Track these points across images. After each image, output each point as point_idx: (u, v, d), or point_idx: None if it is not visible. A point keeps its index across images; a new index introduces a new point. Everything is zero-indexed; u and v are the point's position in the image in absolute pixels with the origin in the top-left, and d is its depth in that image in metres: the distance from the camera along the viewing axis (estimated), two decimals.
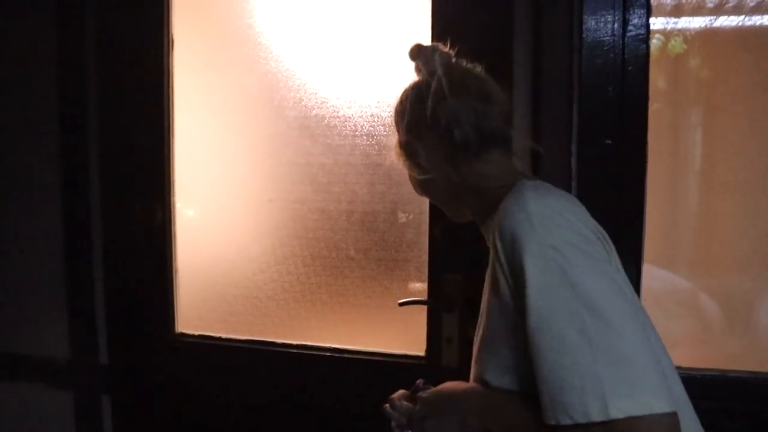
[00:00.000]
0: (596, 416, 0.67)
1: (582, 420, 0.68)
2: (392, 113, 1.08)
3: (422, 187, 1.06)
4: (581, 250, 0.75)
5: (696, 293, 1.53)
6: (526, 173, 0.98)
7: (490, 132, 0.96)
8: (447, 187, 1.01)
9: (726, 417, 1.42)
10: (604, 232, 0.83)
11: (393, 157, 1.08)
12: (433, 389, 0.97)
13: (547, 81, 1.45)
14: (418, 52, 1.04)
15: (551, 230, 0.75)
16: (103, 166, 1.76)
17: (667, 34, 1.48)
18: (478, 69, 1.03)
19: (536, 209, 0.77)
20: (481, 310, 0.91)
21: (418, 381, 1.03)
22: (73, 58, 1.77)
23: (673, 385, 0.81)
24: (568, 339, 0.71)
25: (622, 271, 0.85)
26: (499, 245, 0.80)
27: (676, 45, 1.49)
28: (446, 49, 1.05)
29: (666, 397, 0.68)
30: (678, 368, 1.40)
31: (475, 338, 0.94)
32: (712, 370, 1.45)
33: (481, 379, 0.87)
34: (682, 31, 1.49)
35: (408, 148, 1.02)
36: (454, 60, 1.04)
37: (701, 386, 1.44)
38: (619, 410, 0.67)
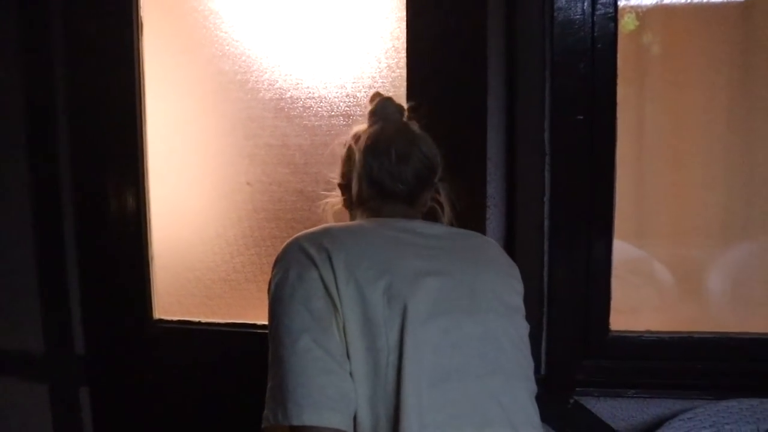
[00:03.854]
0: (264, 423, 0.88)
1: (264, 423, 0.88)
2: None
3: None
4: (283, 286, 0.92)
5: (657, 261, 1.60)
6: (377, 218, 1.12)
7: (380, 190, 1.13)
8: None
9: (691, 376, 1.49)
10: (362, 261, 0.93)
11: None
12: None
13: (521, 59, 1.48)
14: (374, 111, 1.21)
15: (279, 269, 0.96)
16: (74, 153, 1.73)
17: (621, 12, 1.51)
18: (414, 127, 1.19)
19: (284, 250, 0.99)
20: None
21: None
22: (38, 42, 1.72)
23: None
24: (271, 360, 0.92)
25: (375, 297, 0.90)
26: None
27: (629, 22, 1.54)
28: (397, 103, 1.23)
29: (311, 413, 0.82)
30: (647, 332, 1.49)
31: None
32: (681, 332, 1.52)
33: None
34: (635, 8, 1.54)
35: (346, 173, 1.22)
36: (399, 115, 1.22)
37: (670, 348, 1.50)
38: (266, 419, 0.87)
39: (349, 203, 1.21)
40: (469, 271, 1.01)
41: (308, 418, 0.82)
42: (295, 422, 0.82)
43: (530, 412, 0.97)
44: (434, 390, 0.87)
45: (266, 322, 1.63)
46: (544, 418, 1.06)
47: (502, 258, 1.13)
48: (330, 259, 0.90)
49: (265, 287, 1.68)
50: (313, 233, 0.98)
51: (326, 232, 0.98)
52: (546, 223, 1.49)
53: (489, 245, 1.14)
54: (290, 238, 1.00)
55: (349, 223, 1.14)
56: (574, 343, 1.51)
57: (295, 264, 0.93)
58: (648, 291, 1.61)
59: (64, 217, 1.75)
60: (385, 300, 0.89)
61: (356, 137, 1.18)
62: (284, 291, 0.91)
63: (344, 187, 1.22)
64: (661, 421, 1.46)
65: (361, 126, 1.21)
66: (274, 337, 0.91)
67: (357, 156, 1.14)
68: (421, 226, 1.09)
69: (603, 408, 1.51)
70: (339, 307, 0.88)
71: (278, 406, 0.85)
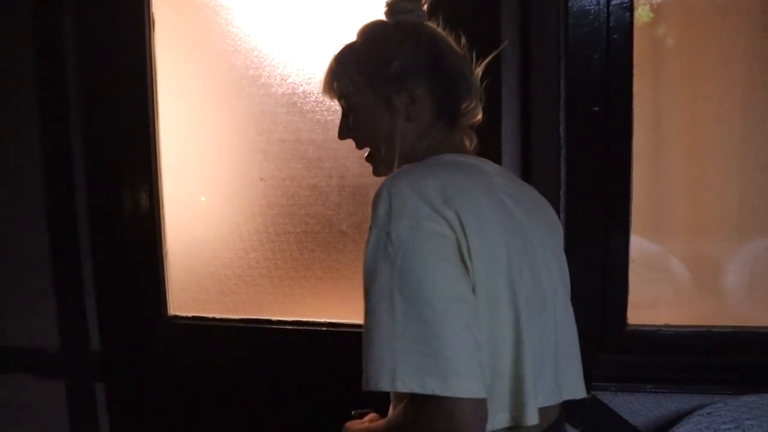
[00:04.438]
0: (384, 385, 0.74)
1: (374, 387, 0.75)
2: (340, 47, 1.06)
3: (358, 132, 1.06)
4: (414, 238, 0.78)
5: (674, 256, 1.58)
6: (455, 147, 0.99)
7: (449, 107, 0.98)
8: (385, 141, 1.00)
9: (710, 370, 1.47)
10: (482, 212, 0.83)
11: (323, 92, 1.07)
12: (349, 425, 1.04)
13: (535, 50, 1.47)
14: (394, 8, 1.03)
15: (391, 216, 0.80)
16: (87, 150, 1.73)
17: (646, 3, 1.50)
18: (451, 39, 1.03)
19: (391, 192, 0.81)
20: None
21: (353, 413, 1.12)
22: (51, 40, 1.72)
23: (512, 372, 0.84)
24: (378, 316, 0.77)
25: (499, 253, 0.83)
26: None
27: (643, 14, 1.52)
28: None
29: (470, 384, 0.73)
30: (665, 326, 1.47)
31: None
32: (699, 326, 1.50)
33: None
34: (649, 0, 1.51)
35: (356, 94, 1.01)
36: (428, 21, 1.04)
37: (688, 342, 1.49)
38: (405, 384, 0.73)
39: (391, 145, 1.00)
40: (549, 246, 0.96)
41: (472, 389, 0.74)
42: (458, 394, 0.73)
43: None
44: (540, 362, 0.87)
45: (281, 318, 1.67)
46: None
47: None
48: (459, 217, 0.79)
49: (281, 283, 1.72)
50: (427, 177, 0.83)
51: (443, 176, 0.84)
52: (562, 216, 1.47)
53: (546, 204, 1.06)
54: (394, 180, 0.83)
55: (449, 161, 0.94)
56: (591, 338, 1.49)
57: (424, 217, 0.79)
58: (665, 285, 1.59)
59: (79, 214, 1.76)
60: (506, 272, 0.83)
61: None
62: (417, 244, 0.78)
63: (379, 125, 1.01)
64: (679, 417, 1.44)
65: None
66: (406, 295, 0.76)
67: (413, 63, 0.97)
68: (495, 169, 0.97)
69: (620, 403, 1.49)
70: (470, 273, 0.80)
71: (426, 373, 0.73)
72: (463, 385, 0.73)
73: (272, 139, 1.65)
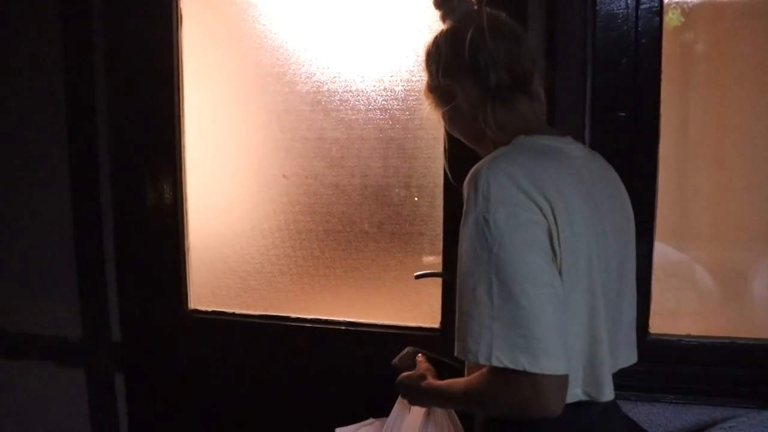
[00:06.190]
0: (482, 359, 0.84)
1: (472, 359, 0.85)
2: (423, 58, 1.11)
3: (454, 125, 1.11)
4: (510, 226, 0.85)
5: (700, 265, 1.55)
6: (537, 123, 1.04)
7: (523, 74, 1.02)
8: (474, 127, 1.05)
9: (732, 383, 1.45)
10: (570, 201, 0.90)
11: (425, 104, 1.14)
12: (405, 379, 1.16)
13: (561, 53, 1.45)
14: (442, 2, 1.09)
15: (489, 202, 0.86)
16: (113, 144, 1.75)
17: (665, 7, 1.47)
18: (502, 15, 1.07)
19: (489, 178, 0.87)
20: None
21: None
22: (80, 35, 1.75)
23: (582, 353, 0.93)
24: (477, 294, 0.85)
25: (582, 241, 0.90)
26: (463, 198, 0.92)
27: (674, 18, 1.49)
28: None
29: (557, 362, 0.82)
30: (688, 336, 1.45)
31: None
32: (722, 337, 1.47)
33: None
34: (680, 4, 1.49)
35: (445, 89, 1.07)
36: (476, 7, 1.09)
37: (711, 353, 1.46)
38: (499, 360, 0.83)
39: (477, 129, 1.04)
40: (620, 232, 1.03)
41: (557, 367, 0.82)
42: (548, 371, 0.81)
43: None
44: (609, 343, 0.95)
45: (300, 315, 1.67)
46: None
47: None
48: (552, 207, 0.87)
49: (301, 281, 1.73)
50: (523, 166, 0.89)
51: (536, 165, 0.90)
52: None
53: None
54: (492, 166, 0.89)
55: (536, 146, 0.98)
56: None
57: (520, 206, 0.86)
58: (689, 294, 1.57)
59: (103, 207, 1.78)
60: (587, 259, 0.91)
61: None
62: (514, 231, 0.85)
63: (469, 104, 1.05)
64: (699, 429, 1.42)
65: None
66: (503, 279, 0.84)
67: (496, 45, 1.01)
68: (580, 151, 1.03)
69: (640, 412, 1.47)
70: (558, 259, 0.88)
71: (518, 351, 0.82)
72: (551, 363, 0.81)
73: (295, 136, 1.65)
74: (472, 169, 0.91)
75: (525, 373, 0.82)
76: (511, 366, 0.82)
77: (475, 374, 0.91)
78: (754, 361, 1.45)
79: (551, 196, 0.87)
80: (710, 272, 1.55)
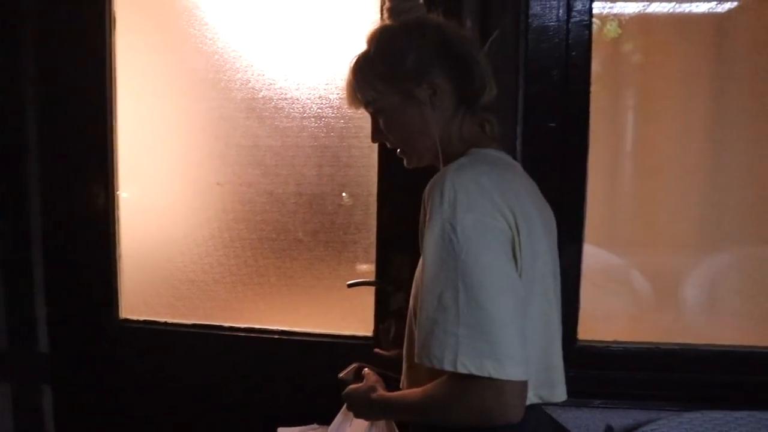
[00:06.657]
0: (447, 366, 0.83)
1: (437, 365, 0.84)
2: (354, 59, 1.07)
3: (396, 130, 1.06)
4: (478, 233, 0.86)
5: (629, 270, 1.59)
6: (488, 137, 1.05)
7: (468, 89, 1.02)
8: (420, 135, 1.03)
9: (657, 387, 1.49)
10: (527, 210, 0.92)
11: (353, 111, 1.14)
12: (353, 392, 1.12)
13: (494, 65, 1.47)
14: None
15: (456, 209, 0.86)
16: (42, 149, 1.70)
17: (603, 19, 1.51)
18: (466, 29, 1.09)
19: (456, 186, 0.88)
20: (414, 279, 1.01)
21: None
22: (8, 38, 1.69)
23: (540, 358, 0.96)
24: (443, 300, 0.85)
25: (541, 248, 0.95)
26: (425, 205, 0.92)
27: (611, 30, 1.53)
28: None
29: (521, 368, 0.82)
30: (615, 342, 1.48)
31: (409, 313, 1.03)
32: (647, 343, 1.52)
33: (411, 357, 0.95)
34: (617, 16, 1.53)
35: (381, 98, 1.04)
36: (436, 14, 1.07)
37: (637, 359, 1.50)
38: (465, 366, 0.82)
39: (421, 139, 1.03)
40: (551, 243, 1.04)
41: (521, 373, 0.83)
42: (513, 377, 0.82)
43: None
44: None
45: (233, 324, 1.65)
46: None
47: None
48: (514, 215, 0.88)
49: (234, 289, 1.70)
50: (486, 174, 0.91)
51: (497, 175, 0.93)
52: None
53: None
54: (458, 174, 0.90)
55: (492, 157, 1.00)
56: None
57: (486, 214, 0.87)
58: (618, 300, 1.61)
59: (32, 213, 1.72)
60: (541, 268, 0.94)
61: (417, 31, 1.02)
62: (480, 238, 0.86)
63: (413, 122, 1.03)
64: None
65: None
66: (469, 285, 0.84)
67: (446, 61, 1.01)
68: (519, 166, 1.08)
69: (568, 417, 1.50)
70: (518, 267, 0.89)
71: (484, 357, 0.81)
72: (516, 369, 0.82)
73: (230, 143, 1.63)
74: (434, 178, 0.91)
75: (489, 380, 0.81)
76: (476, 372, 0.81)
77: (434, 382, 0.89)
78: (677, 365, 1.49)
79: (513, 205, 0.89)
80: (640, 278, 1.59)
